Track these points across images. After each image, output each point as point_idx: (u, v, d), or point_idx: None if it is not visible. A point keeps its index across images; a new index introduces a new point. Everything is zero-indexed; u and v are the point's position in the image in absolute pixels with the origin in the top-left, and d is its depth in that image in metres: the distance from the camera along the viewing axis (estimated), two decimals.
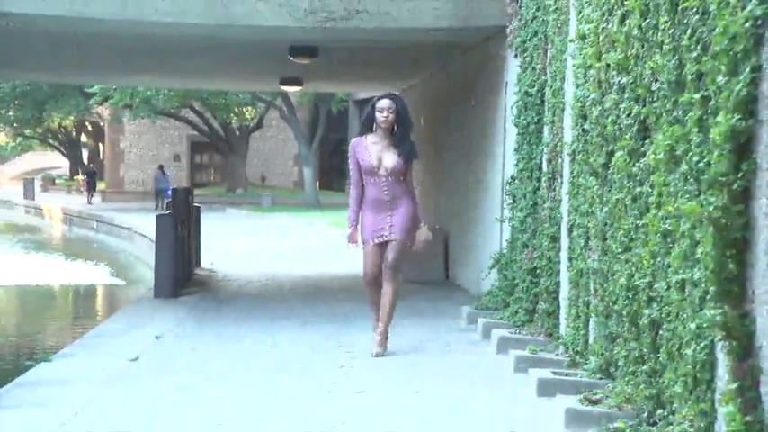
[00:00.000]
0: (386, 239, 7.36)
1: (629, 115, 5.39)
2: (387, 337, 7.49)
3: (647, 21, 5.08)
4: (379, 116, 7.36)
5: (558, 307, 7.33)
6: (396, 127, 7.39)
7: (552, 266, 7.54)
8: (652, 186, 4.94)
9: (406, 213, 7.40)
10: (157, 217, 11.74)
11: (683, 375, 4.43)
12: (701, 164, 4.18)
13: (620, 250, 5.52)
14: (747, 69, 3.64)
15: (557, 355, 6.87)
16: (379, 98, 7.42)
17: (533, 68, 8.43)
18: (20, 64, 15.31)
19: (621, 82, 5.51)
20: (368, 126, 7.45)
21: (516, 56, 9.02)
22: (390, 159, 7.34)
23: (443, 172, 13.46)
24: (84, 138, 52.73)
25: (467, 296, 10.98)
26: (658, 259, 4.83)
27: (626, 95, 5.45)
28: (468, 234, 11.62)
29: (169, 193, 37.48)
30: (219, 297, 11.68)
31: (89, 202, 39.22)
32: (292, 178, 44.15)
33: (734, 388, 3.70)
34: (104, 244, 27.57)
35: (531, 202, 8.39)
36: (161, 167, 38.40)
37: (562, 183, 7.28)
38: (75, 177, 50.90)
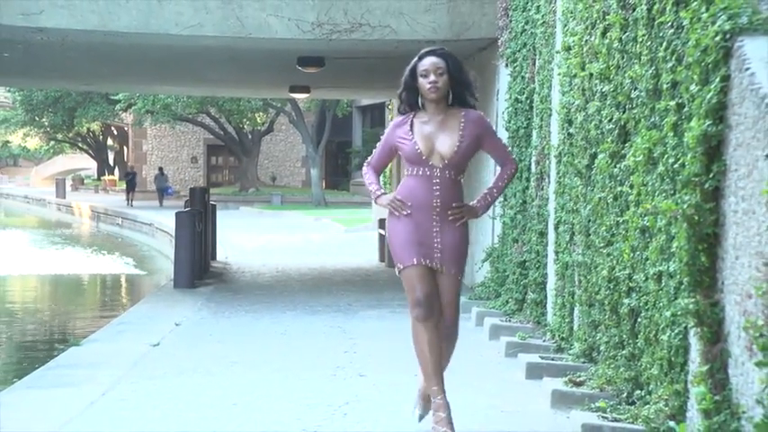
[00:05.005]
0: (436, 268, 4.56)
1: (610, 120, 5.40)
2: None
3: (627, 34, 5.09)
4: (423, 82, 4.55)
5: (546, 297, 7.34)
6: (450, 95, 4.60)
7: (540, 260, 7.55)
8: (631, 186, 4.95)
9: (461, 235, 4.60)
10: (177, 214, 11.75)
11: (659, 359, 4.44)
12: (676, 165, 4.19)
13: (602, 245, 5.52)
14: (718, 79, 3.65)
15: (544, 341, 6.87)
16: (422, 56, 4.61)
17: (523, 77, 8.43)
18: (53, 74, 15.35)
19: (603, 90, 5.51)
20: (410, 100, 4.63)
21: (507, 65, 9.02)
22: (447, 142, 4.54)
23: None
24: (110, 141, 52.74)
25: (461, 287, 10.98)
26: (637, 253, 4.84)
27: (608, 102, 5.45)
28: None
29: (170, 191, 37.36)
30: (234, 288, 11.69)
31: (130, 204, 35.32)
32: (300, 178, 44.11)
33: (705, 370, 3.72)
34: (129, 238, 27.58)
35: (520, 201, 8.40)
36: (161, 169, 38.83)
37: (549, 182, 7.29)
38: (102, 177, 50.96)
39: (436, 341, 4.50)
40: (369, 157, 4.83)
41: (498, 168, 4.80)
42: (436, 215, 4.54)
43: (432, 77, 4.53)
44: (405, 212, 4.53)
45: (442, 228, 4.55)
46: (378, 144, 4.80)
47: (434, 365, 4.48)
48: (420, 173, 4.55)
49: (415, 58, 4.61)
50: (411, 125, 4.59)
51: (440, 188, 4.53)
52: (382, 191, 4.66)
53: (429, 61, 4.55)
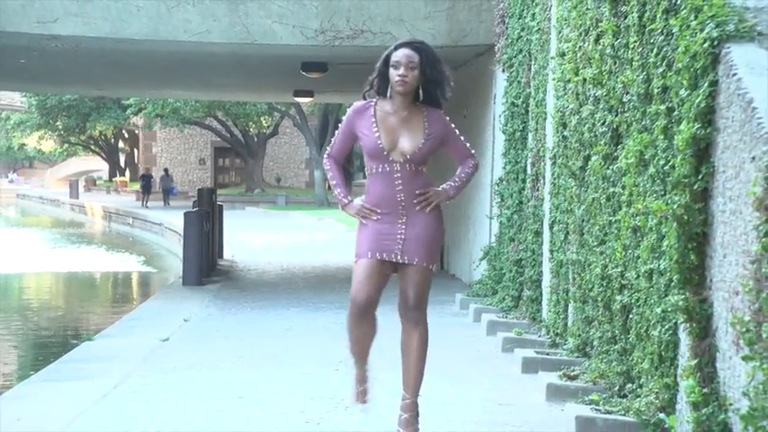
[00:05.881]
0: (397, 260, 4.25)
1: (603, 124, 5.40)
2: (418, 414, 4.29)
3: (619, 40, 5.10)
4: (393, 73, 4.21)
5: (541, 294, 7.34)
6: (421, 91, 4.25)
7: (535, 258, 7.55)
8: (623, 187, 4.95)
9: (430, 224, 4.27)
10: (185, 214, 11.76)
11: (649, 354, 4.45)
12: (667, 167, 4.20)
13: (595, 243, 5.53)
14: (706, 84, 3.66)
15: (539, 336, 6.88)
16: (398, 46, 4.29)
17: (519, 82, 8.43)
18: (67, 80, 15.38)
19: (596, 94, 5.52)
20: (379, 86, 4.29)
21: (503, 71, 9.02)
22: (410, 140, 4.22)
23: (440, 174, 13.47)
24: (121, 144, 52.83)
25: (460, 284, 10.99)
26: (629, 251, 4.84)
27: (600, 106, 5.46)
28: (462, 229, 11.63)
29: (174, 191, 37.34)
30: (240, 285, 11.70)
31: (145, 205, 34.40)
32: (304, 179, 44.16)
33: (694, 364, 3.72)
34: (139, 237, 27.60)
35: (516, 201, 8.40)
36: (166, 171, 38.88)
37: (544, 183, 7.29)
38: (113, 179, 51.08)
39: (368, 335, 4.29)
40: (328, 147, 4.40)
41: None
42: (402, 209, 4.23)
43: (402, 70, 4.17)
44: (374, 218, 4.22)
45: (409, 220, 4.22)
46: (337, 132, 4.38)
47: (361, 354, 4.32)
48: (381, 170, 4.22)
49: (392, 47, 4.29)
50: (374, 116, 4.23)
51: (401, 182, 4.21)
52: (349, 198, 4.31)
53: (402, 53, 4.20)
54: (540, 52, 7.50)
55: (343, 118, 4.35)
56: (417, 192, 4.23)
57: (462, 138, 4.41)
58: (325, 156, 4.41)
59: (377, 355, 4.38)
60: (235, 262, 14.53)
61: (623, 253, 4.91)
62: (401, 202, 4.23)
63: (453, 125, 4.38)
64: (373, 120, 4.23)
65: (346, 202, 4.30)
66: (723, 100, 3.57)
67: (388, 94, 4.24)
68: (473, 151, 4.44)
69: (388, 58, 4.23)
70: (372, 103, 4.26)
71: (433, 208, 4.27)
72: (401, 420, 4.26)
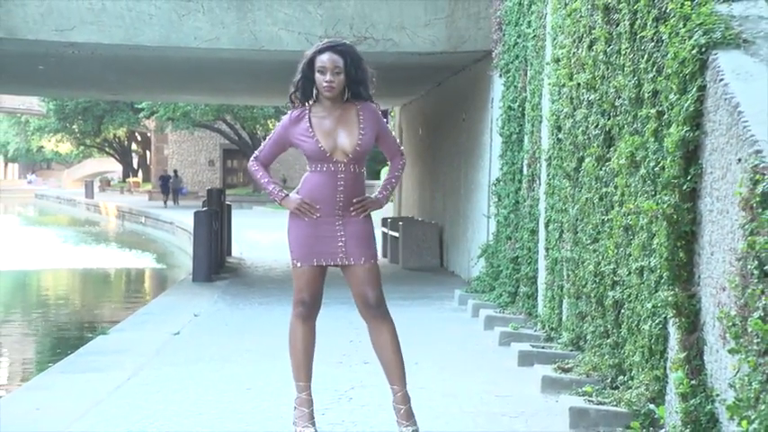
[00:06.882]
0: (342, 263, 4.23)
1: (596, 127, 5.41)
2: (410, 406, 4.22)
3: (611, 47, 5.10)
4: (319, 79, 4.12)
5: (537, 290, 7.34)
6: (347, 91, 4.18)
7: (531, 256, 7.55)
8: (616, 187, 4.96)
9: (365, 221, 4.22)
10: (195, 213, 11.78)
11: (640, 347, 4.45)
12: (657, 168, 4.20)
13: (588, 242, 5.53)
14: (694, 89, 3.67)
15: (535, 331, 6.88)
16: (320, 50, 4.15)
17: (515, 86, 8.44)
18: (83, 84, 15.39)
19: (590, 98, 5.52)
20: (305, 89, 4.18)
21: (500, 76, 9.02)
22: (348, 137, 4.14)
23: (439, 175, 13.48)
24: (134, 146, 52.89)
25: (458, 281, 10.99)
26: (621, 249, 4.85)
27: (594, 110, 5.46)
28: (460, 228, 11.63)
29: (183, 191, 37.34)
30: (248, 281, 11.71)
31: (166, 205, 34.55)
32: None
33: (682, 357, 3.73)
34: (151, 236, 27.62)
35: (513, 201, 8.40)
36: (175, 172, 39.02)
37: (540, 184, 7.29)
38: (127, 179, 51.15)
39: (311, 339, 4.30)
40: (256, 151, 4.33)
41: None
42: (339, 209, 4.14)
43: (328, 76, 4.08)
44: (315, 216, 4.14)
45: (344, 221, 4.15)
46: (268, 137, 4.33)
47: (306, 361, 4.27)
48: (324, 169, 4.13)
49: (315, 50, 4.16)
50: (309, 122, 4.14)
51: (344, 184, 4.12)
52: (285, 192, 4.21)
53: (328, 57, 4.09)
54: (536, 58, 7.50)
55: (278, 125, 4.29)
56: (355, 201, 4.16)
57: (393, 133, 4.28)
58: (252, 159, 4.32)
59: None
60: (243, 259, 14.54)
61: (615, 251, 4.91)
62: (339, 203, 4.14)
63: (385, 120, 4.26)
64: (308, 125, 4.14)
65: (283, 195, 4.20)
66: (711, 104, 3.57)
67: (314, 96, 4.17)
68: (402, 147, 4.36)
69: (312, 61, 4.14)
70: (306, 111, 4.18)
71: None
72: (402, 413, 4.17)
